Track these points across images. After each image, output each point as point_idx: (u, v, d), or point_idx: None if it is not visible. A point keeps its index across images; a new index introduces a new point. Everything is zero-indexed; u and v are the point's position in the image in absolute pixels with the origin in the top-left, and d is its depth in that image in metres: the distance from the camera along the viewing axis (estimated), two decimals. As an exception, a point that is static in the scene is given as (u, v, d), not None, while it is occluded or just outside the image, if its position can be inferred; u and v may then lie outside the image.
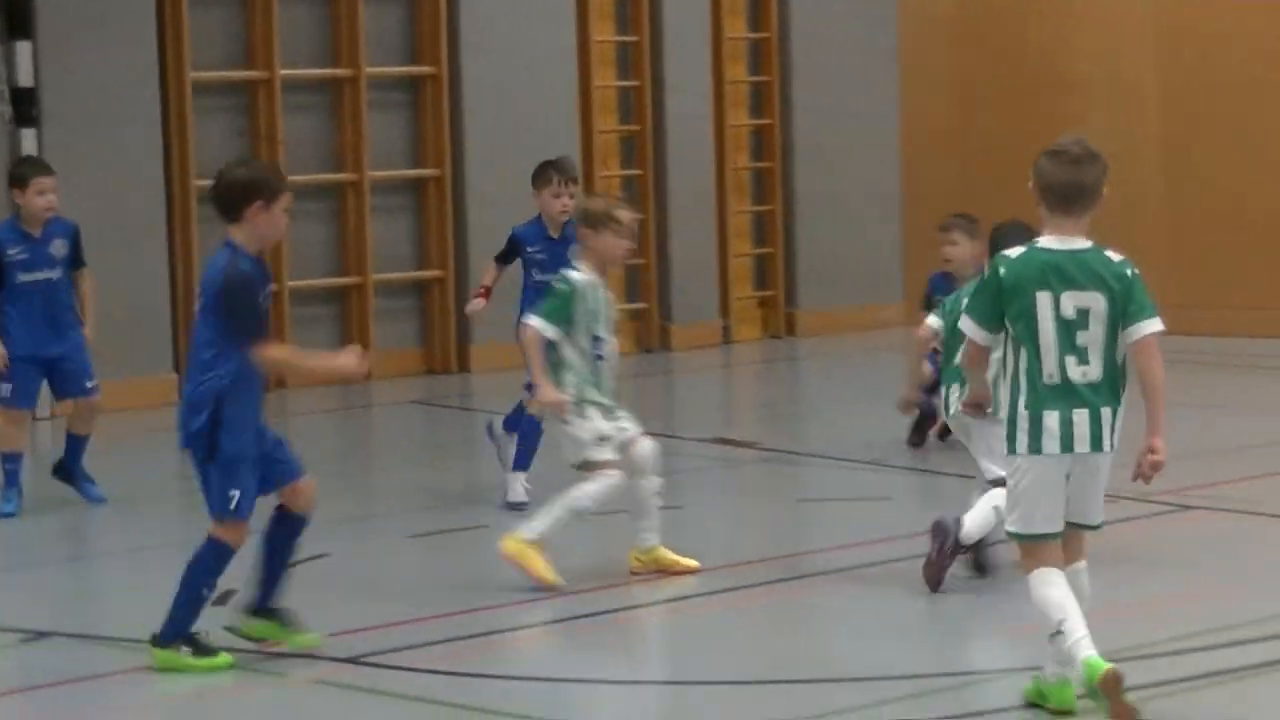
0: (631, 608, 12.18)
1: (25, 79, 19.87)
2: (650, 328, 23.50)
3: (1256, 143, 22.56)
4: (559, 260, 14.53)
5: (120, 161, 20.29)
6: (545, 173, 15.49)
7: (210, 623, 10.88)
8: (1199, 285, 22.00)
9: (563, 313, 12.48)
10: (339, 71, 21.83)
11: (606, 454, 12.35)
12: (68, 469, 15.57)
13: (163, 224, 20.59)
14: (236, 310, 10.68)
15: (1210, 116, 22.94)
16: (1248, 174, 22.55)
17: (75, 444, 15.57)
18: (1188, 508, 13.92)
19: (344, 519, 14.70)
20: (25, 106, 19.87)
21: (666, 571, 12.49)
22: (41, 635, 11.69)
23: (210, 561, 10.83)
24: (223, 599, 11.20)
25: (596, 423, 12.41)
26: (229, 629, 11.04)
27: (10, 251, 15.11)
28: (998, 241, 11.72)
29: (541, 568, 12.16)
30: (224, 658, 10.78)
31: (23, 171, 15.53)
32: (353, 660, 10.88)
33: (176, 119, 20.79)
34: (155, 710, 10.62)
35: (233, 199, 10.77)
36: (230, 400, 10.69)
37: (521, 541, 12.27)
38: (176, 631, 10.76)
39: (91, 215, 19.43)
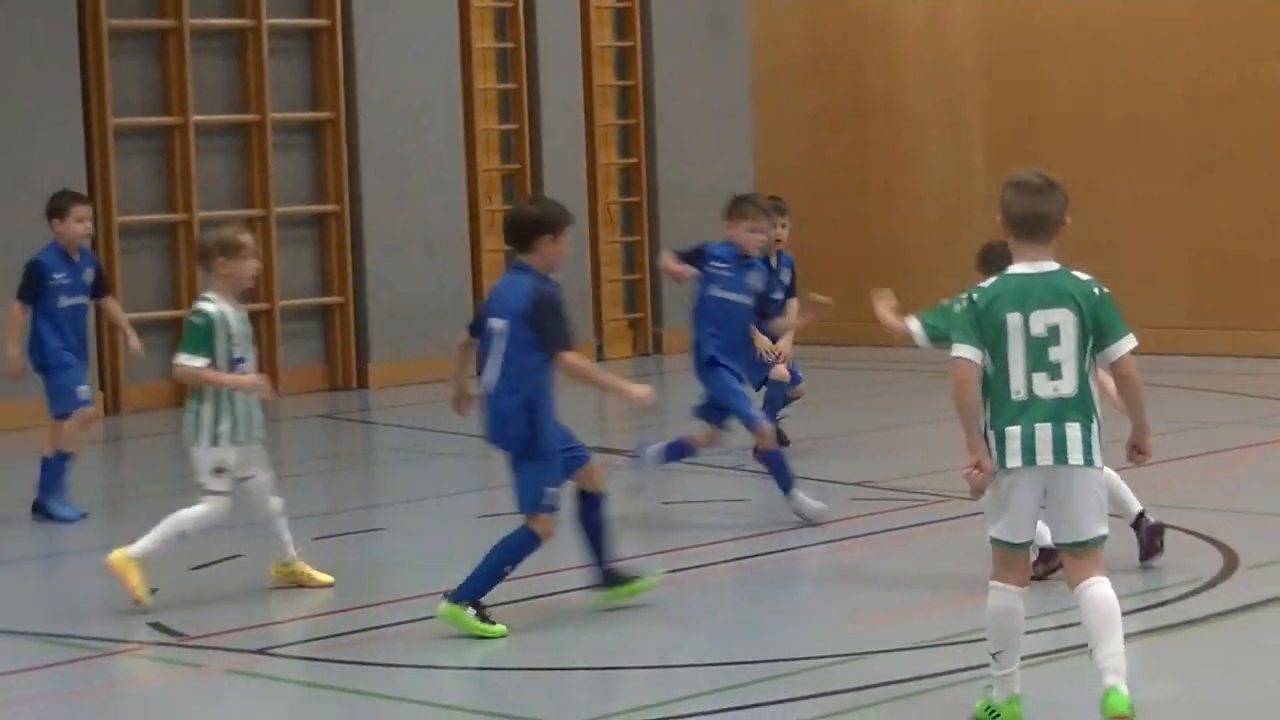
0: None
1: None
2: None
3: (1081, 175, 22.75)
4: (739, 283, 14.51)
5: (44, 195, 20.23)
6: (741, 208, 14.93)
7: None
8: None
9: (204, 344, 11.97)
10: (247, 117, 21.80)
11: (220, 485, 12.00)
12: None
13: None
14: (551, 322, 11.06)
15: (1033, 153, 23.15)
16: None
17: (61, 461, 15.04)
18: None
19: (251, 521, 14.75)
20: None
21: (303, 585, 12.28)
22: None
23: (518, 547, 11.14)
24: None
25: (223, 454, 11.99)
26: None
27: (55, 276, 14.85)
28: (989, 259, 11.30)
29: (136, 584, 11.72)
30: (501, 629, 10.91)
31: (62, 202, 15.20)
32: (261, 651, 10.86)
33: (100, 157, 20.74)
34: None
35: (526, 232, 11.24)
36: (542, 404, 11.07)
37: (125, 556, 11.79)
38: (470, 594, 10.96)
39: (16, 248, 19.52)
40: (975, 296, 9.01)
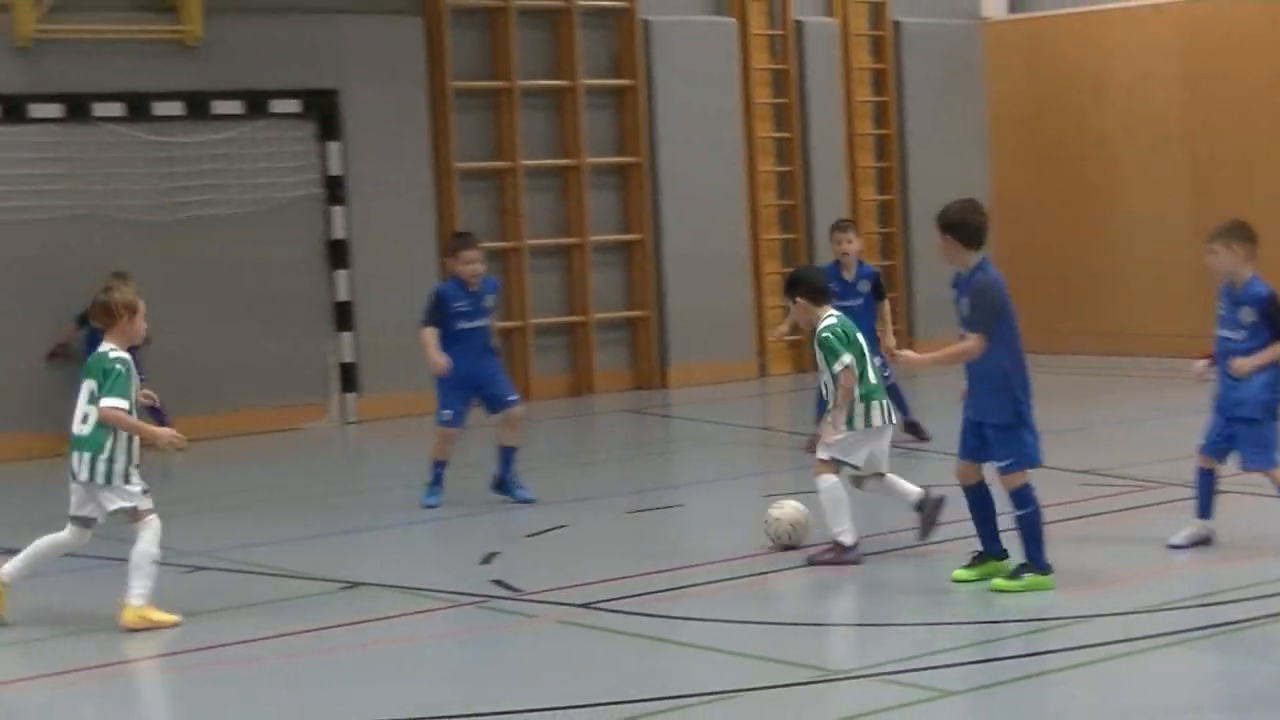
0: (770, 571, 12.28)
1: (335, 169, 20.19)
2: (803, 354, 23.59)
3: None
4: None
5: (403, 229, 20.56)
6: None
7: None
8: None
9: (126, 390, 11.00)
10: (566, 161, 22.01)
11: (149, 503, 11.11)
12: (501, 479, 14.76)
13: (434, 274, 20.83)
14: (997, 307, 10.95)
15: (1231, 192, 22.79)
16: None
17: (506, 454, 14.78)
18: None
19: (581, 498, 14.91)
20: (336, 190, 20.20)
21: (153, 627, 10.86)
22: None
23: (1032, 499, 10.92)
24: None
25: (134, 482, 11.07)
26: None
27: (455, 304, 14.67)
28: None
29: (160, 617, 10.90)
30: (1050, 581, 10.82)
31: (455, 243, 15.18)
32: (586, 605, 10.95)
33: (446, 196, 21.04)
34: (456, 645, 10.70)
35: (971, 233, 10.96)
36: (1018, 374, 10.86)
37: (133, 610, 10.87)
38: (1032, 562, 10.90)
39: (382, 269, 19.91)
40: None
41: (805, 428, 18.74)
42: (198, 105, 19.44)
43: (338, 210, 20.12)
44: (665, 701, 8.94)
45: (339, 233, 20.18)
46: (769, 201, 23.39)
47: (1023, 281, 24.58)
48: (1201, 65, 23.26)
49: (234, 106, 19.61)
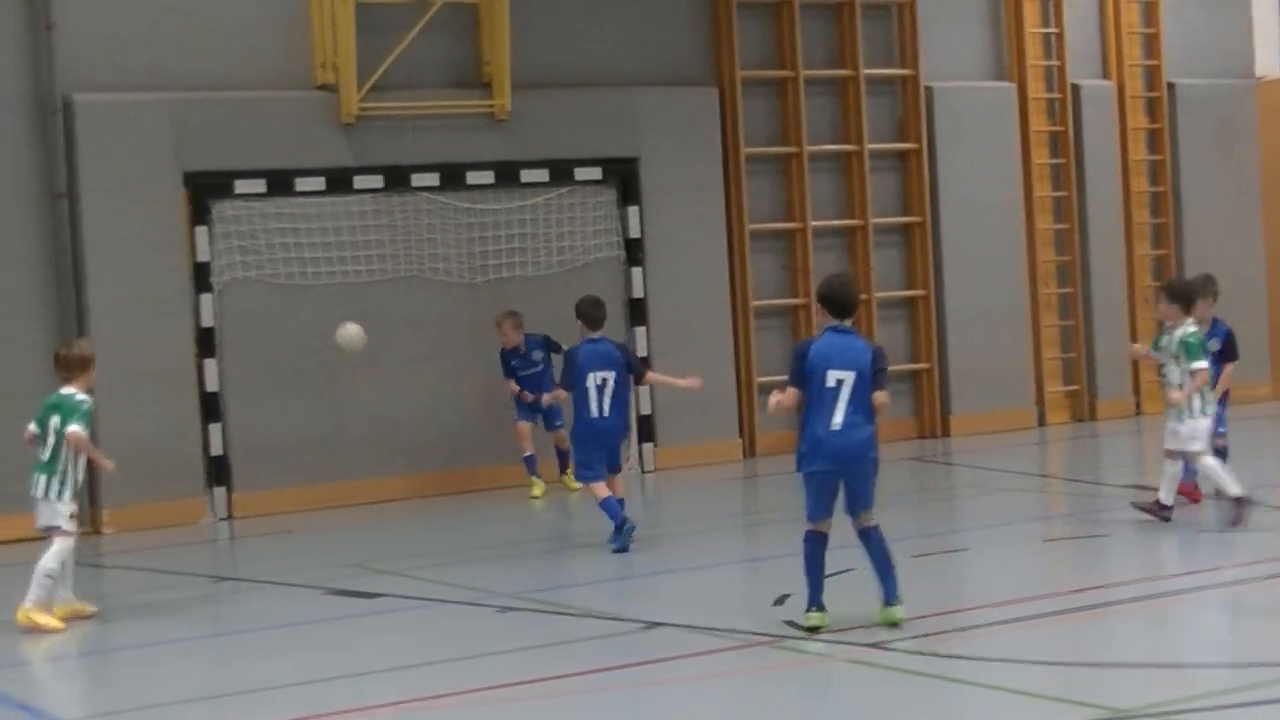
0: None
1: (634, 232, 20.39)
2: (1081, 403, 23.27)
3: None
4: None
5: (698, 287, 20.69)
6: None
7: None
8: None
9: (90, 421, 13.07)
10: (852, 221, 21.98)
11: (73, 526, 12.91)
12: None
13: (728, 330, 20.94)
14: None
15: None
16: None
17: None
18: None
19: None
20: (635, 252, 20.40)
21: (37, 629, 12.66)
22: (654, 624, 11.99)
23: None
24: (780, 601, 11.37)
25: (68, 503, 12.89)
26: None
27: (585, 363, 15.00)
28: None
29: (45, 621, 12.69)
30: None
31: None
32: (874, 645, 10.84)
33: (738, 256, 21.13)
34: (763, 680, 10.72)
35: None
36: None
37: (25, 611, 12.72)
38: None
39: (678, 325, 20.07)
40: None
41: (1083, 474, 18.54)
42: (506, 174, 19.76)
43: (636, 270, 20.30)
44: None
45: (638, 291, 20.36)
46: (1047, 258, 23.13)
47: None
48: None
49: (540, 175, 19.90)
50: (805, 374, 11.28)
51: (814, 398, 11.23)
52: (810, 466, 11.26)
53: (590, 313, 15.27)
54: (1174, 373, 14.65)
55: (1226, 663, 10.26)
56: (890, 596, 11.30)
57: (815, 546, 11.31)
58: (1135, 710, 9.21)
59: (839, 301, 11.44)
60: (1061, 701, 9.46)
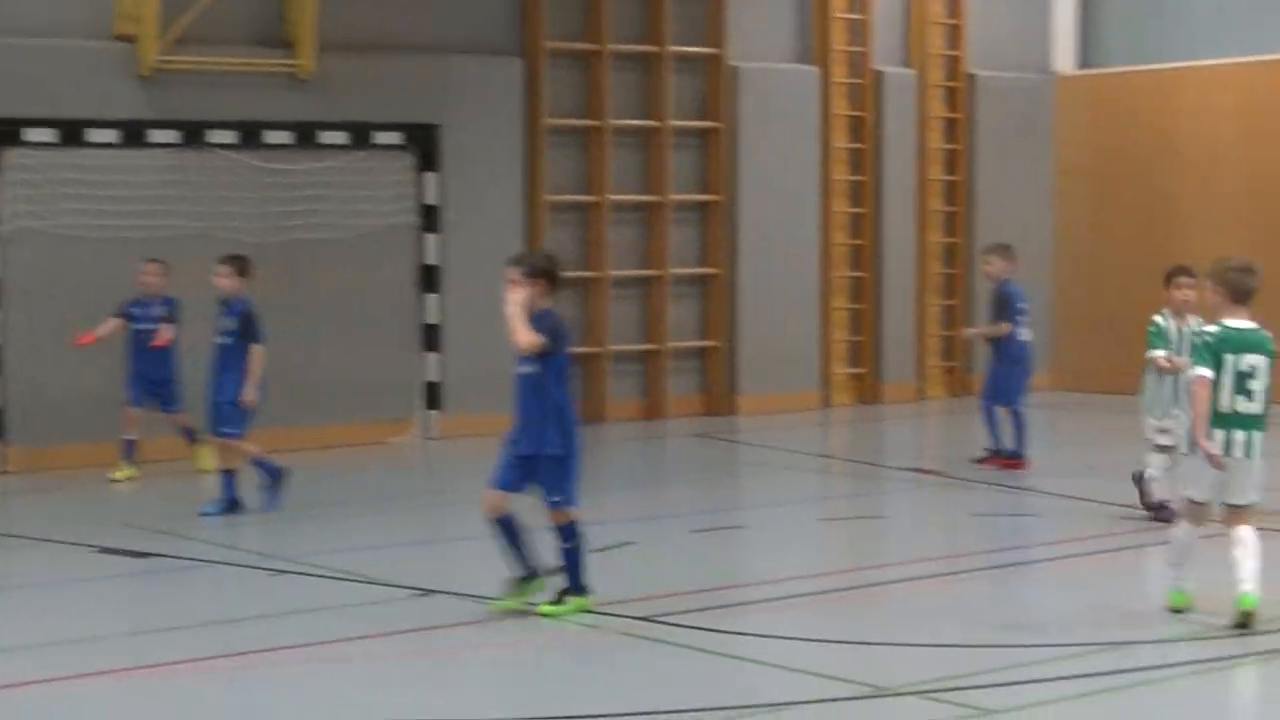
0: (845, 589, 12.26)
1: (431, 199, 20.29)
2: (867, 386, 23.57)
3: None
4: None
5: (493, 257, 20.49)
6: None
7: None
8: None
9: None
10: (652, 197, 22.04)
11: None
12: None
13: (523, 302, 20.91)
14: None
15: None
16: None
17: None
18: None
19: (649, 516, 14.92)
20: (431, 219, 20.31)
21: None
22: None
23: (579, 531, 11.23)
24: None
25: None
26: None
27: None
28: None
29: None
30: (589, 602, 11.12)
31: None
32: (648, 619, 10.96)
33: (536, 227, 21.11)
34: (497, 647, 10.75)
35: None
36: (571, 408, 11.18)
37: None
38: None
39: (470, 295, 20.02)
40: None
41: (864, 455, 18.79)
42: (306, 135, 19.57)
43: (431, 238, 20.22)
44: (711, 712, 8.96)
45: (431, 259, 20.28)
46: (841, 241, 23.35)
47: (1082, 325, 24.69)
48: (1265, 125, 23.12)
49: (339, 137, 19.73)
50: None
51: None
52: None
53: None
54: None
55: (992, 642, 10.43)
56: (567, 588, 11.19)
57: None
58: (901, 688, 9.38)
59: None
60: (831, 679, 9.61)
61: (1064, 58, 25.33)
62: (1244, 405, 10.55)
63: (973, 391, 23.76)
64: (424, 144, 20.20)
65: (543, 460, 11.01)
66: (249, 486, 15.15)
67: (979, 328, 17.45)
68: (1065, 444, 20.20)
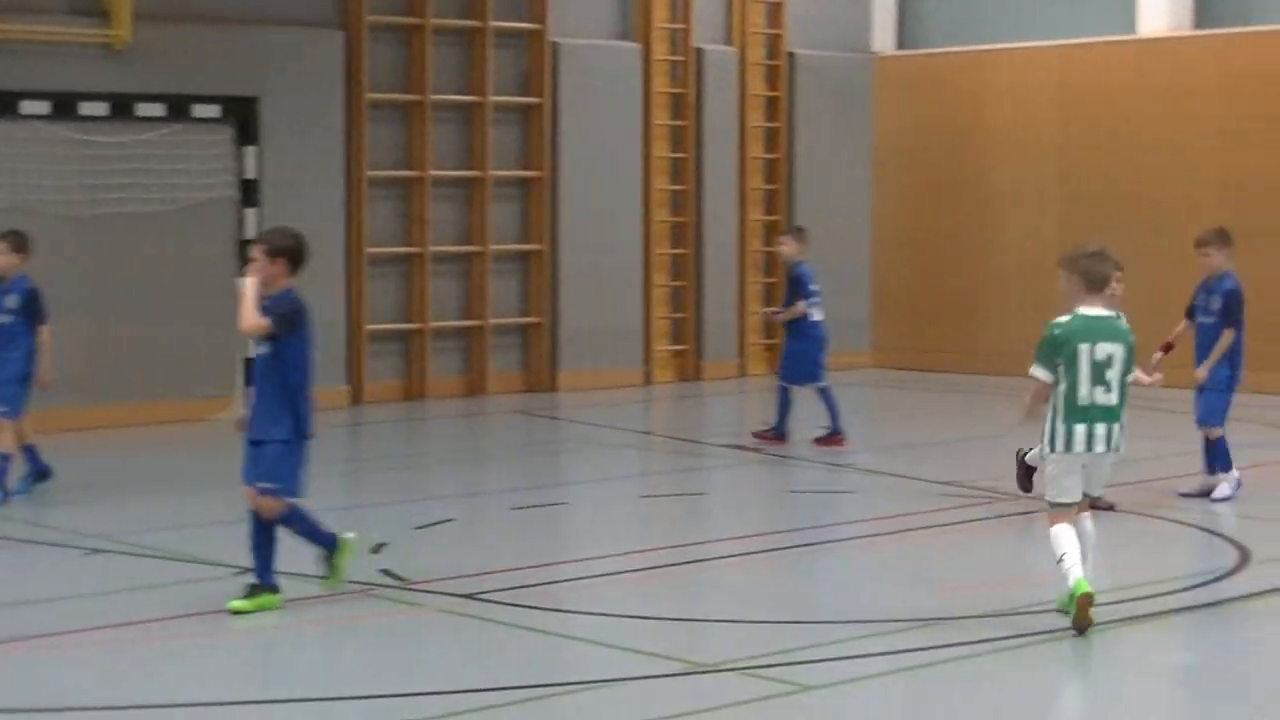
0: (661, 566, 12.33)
1: (250, 173, 20.07)
2: (688, 363, 23.66)
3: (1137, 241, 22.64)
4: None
5: (313, 232, 20.27)
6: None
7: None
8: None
9: None
10: (473, 173, 21.97)
11: None
12: None
13: (342, 276, 20.75)
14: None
15: (1096, 224, 23.01)
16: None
17: None
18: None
19: (468, 493, 14.88)
20: (250, 193, 20.08)
21: None
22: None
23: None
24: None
25: None
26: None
27: None
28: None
29: None
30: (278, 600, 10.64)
31: None
32: (469, 596, 10.94)
33: (356, 202, 20.95)
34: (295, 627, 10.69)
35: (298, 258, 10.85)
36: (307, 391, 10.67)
37: None
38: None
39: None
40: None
41: (685, 433, 18.86)
42: (122, 106, 19.28)
43: (250, 212, 20.00)
44: (531, 690, 8.96)
45: (251, 233, 20.03)
46: (662, 218, 23.42)
47: (900, 302, 24.97)
48: (1077, 106, 23.48)
49: (156, 109, 19.45)
50: None
51: None
52: None
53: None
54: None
55: (810, 619, 10.52)
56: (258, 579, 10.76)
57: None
58: (720, 664, 9.43)
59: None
60: (652, 656, 9.64)
61: (883, 38, 25.56)
62: (1102, 397, 10.04)
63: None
64: (242, 117, 19.98)
65: (268, 445, 10.53)
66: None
67: (775, 309, 17.65)
68: (883, 421, 20.44)
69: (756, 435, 17.42)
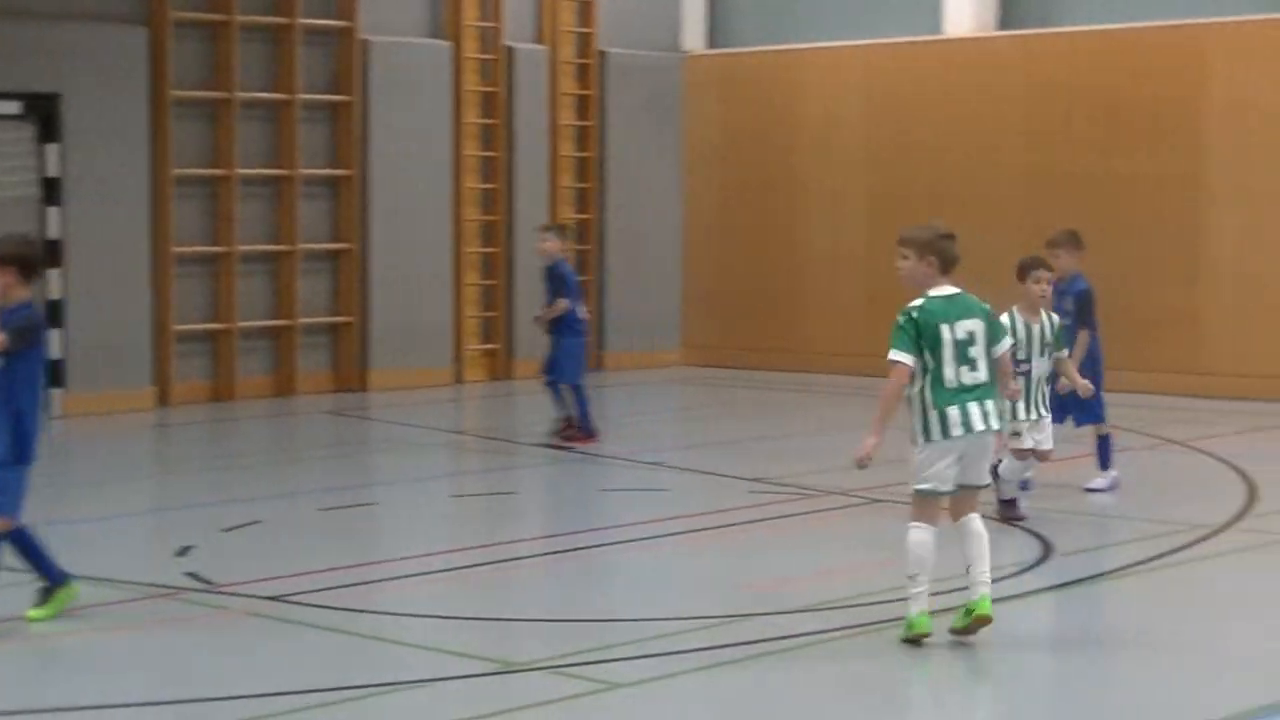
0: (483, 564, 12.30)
1: (53, 171, 19.74)
2: (499, 362, 23.61)
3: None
4: None
5: (118, 231, 20.15)
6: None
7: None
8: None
9: None
10: (281, 171, 21.76)
11: None
12: None
13: (147, 276, 20.47)
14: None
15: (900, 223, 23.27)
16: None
17: None
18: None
19: (277, 495, 14.75)
20: (53, 192, 19.75)
21: None
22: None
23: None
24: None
25: None
26: None
27: None
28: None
29: None
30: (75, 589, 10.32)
31: None
32: (276, 598, 10.85)
33: (162, 201, 20.68)
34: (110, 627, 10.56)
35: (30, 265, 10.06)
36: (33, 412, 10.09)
37: None
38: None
39: (95, 270, 19.53)
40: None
41: (496, 432, 18.80)
42: (-82, 102, 18.93)
43: (53, 211, 19.66)
44: (339, 692, 8.88)
45: (54, 233, 19.73)
46: (473, 217, 23.35)
47: (711, 300, 25.09)
48: (884, 106, 23.73)
49: (-46, 107, 19.13)
50: None
51: None
52: None
53: None
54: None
55: (622, 616, 10.55)
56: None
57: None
58: (531, 663, 9.42)
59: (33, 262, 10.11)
60: (462, 656, 9.60)
61: (693, 37, 25.68)
62: (969, 376, 9.60)
63: (607, 368, 24.04)
64: (44, 114, 19.65)
65: None
66: None
67: (542, 310, 17.62)
68: (694, 419, 20.54)
69: (563, 436, 17.37)
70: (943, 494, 9.72)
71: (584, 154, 24.56)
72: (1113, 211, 21.64)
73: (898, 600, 9.99)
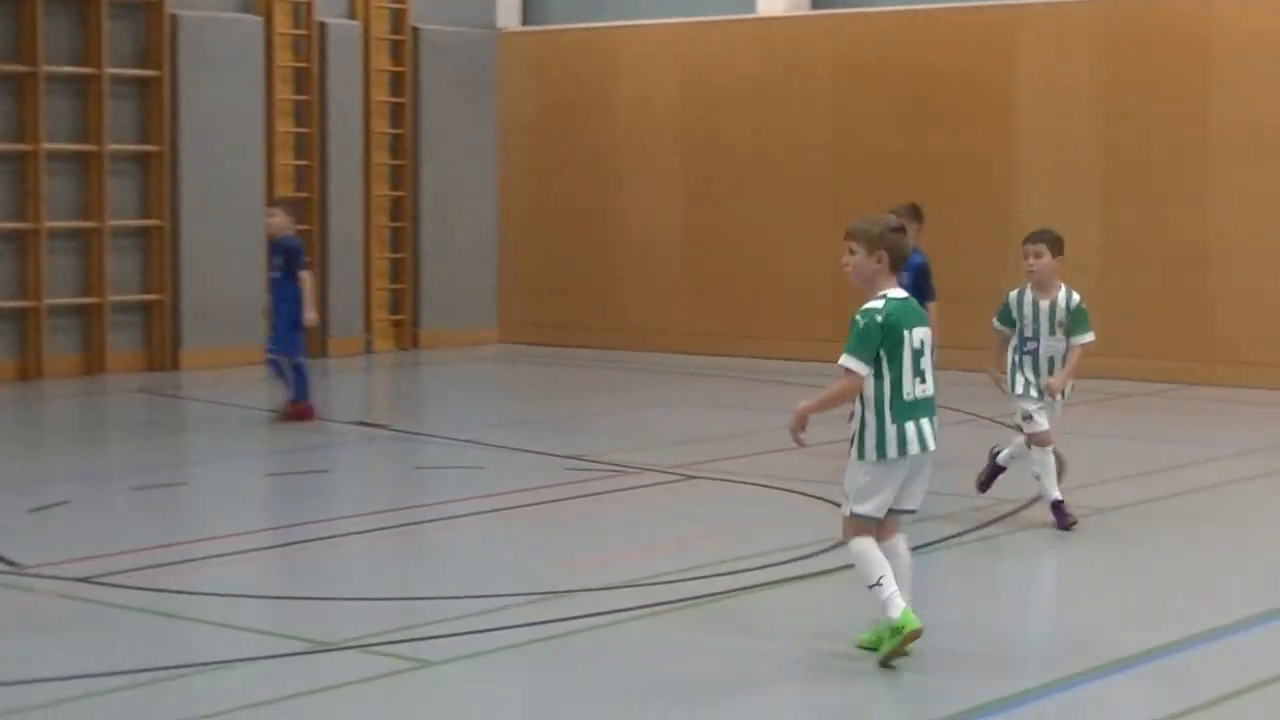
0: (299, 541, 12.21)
1: None
2: (315, 340, 23.44)
3: (755, 220, 23.05)
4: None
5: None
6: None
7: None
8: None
9: None
10: (89, 147, 21.42)
11: None
12: None
13: (-47, 254, 20.17)
14: None
15: (716, 200, 23.41)
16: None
17: None
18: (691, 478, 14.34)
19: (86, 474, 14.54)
20: None
21: None
22: None
23: None
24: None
25: None
26: None
27: None
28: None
29: None
30: None
31: None
32: (85, 579, 10.68)
33: (-36, 177, 20.36)
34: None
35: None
36: None
37: None
38: None
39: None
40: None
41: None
42: None
43: None
44: (149, 673, 8.77)
45: None
46: (285, 193, 23.12)
47: (526, 278, 25.07)
48: (697, 84, 23.82)
49: None
50: None
51: None
52: None
53: None
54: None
55: (434, 594, 10.51)
56: None
57: None
58: (342, 642, 9.36)
59: None
60: (272, 635, 9.56)
61: (508, 14, 25.63)
62: (920, 389, 8.82)
63: (418, 344, 23.95)
64: None
65: None
66: None
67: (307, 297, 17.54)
68: (509, 396, 20.53)
69: (289, 416, 17.35)
70: (877, 519, 8.94)
71: (398, 131, 24.43)
72: (922, 191, 21.83)
73: (724, 575, 10.05)
